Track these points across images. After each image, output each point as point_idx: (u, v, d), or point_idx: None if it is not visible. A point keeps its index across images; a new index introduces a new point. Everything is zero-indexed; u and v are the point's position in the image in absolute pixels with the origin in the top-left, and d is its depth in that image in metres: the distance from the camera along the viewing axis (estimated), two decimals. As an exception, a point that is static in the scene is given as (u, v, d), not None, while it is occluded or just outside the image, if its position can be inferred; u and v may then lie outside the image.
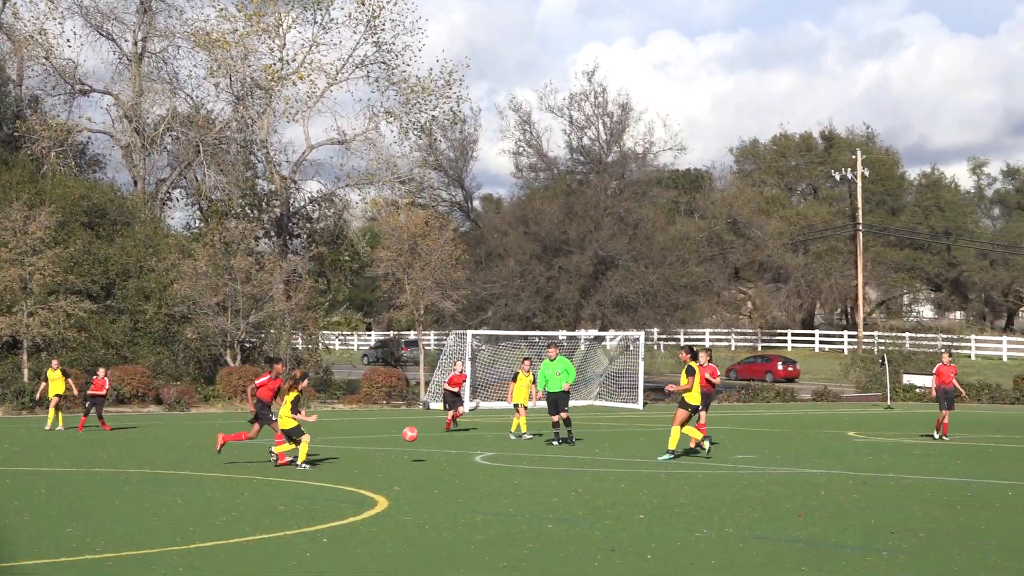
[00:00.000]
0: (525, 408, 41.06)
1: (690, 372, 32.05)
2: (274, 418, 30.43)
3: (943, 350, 41.81)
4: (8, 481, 28.06)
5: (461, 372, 40.63)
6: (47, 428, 45.72)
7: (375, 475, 28.94)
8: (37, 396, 51.42)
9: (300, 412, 29.37)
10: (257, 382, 31.46)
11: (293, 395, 29.24)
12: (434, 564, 17.04)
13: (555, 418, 37.47)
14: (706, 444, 33.07)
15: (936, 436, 40.70)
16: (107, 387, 47.83)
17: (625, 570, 16.46)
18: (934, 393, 43.33)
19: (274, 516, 21.73)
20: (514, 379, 42.89)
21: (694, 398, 32.05)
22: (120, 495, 25.62)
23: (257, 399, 31.11)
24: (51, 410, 46.56)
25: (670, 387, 35.26)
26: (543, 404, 39.33)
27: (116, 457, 34.74)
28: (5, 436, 43.12)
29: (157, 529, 20.30)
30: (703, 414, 35.18)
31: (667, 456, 32.57)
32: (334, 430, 43.79)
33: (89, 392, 47.36)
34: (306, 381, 29.76)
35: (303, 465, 29.14)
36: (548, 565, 16.78)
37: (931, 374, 68.72)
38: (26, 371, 60.96)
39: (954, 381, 41.71)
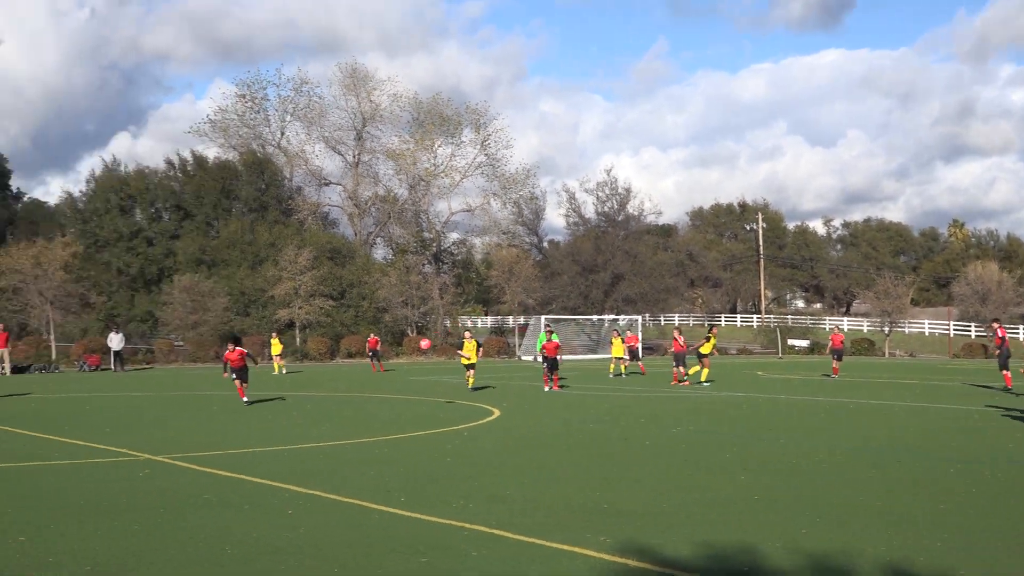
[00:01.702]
0: (619, 359, 42.41)
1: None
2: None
3: (835, 327, 42.78)
4: (309, 406, 28.85)
5: (554, 341, 34.96)
6: (274, 374, 44.95)
7: (492, 396, 29.09)
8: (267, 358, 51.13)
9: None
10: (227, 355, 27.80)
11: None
12: (527, 446, 18.13)
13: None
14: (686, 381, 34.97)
15: (832, 377, 39.46)
16: (378, 345, 50.69)
17: (630, 448, 17.56)
18: (829, 350, 42.72)
19: (436, 421, 22.64)
20: (609, 343, 45.46)
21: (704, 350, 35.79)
22: (350, 407, 26.40)
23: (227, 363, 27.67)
24: (275, 363, 46.95)
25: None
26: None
27: (358, 385, 33.84)
28: (310, 375, 42.19)
29: (375, 428, 21.53)
30: (682, 369, 35.98)
31: (706, 384, 35.02)
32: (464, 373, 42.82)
33: (368, 348, 50.28)
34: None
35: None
36: (590, 444, 18.03)
37: (805, 340, 70.91)
38: (298, 339, 64.34)
39: (842, 343, 40.99)
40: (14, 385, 38.54)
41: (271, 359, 48.60)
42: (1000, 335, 33.31)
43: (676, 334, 38.35)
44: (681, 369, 36.75)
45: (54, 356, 56.67)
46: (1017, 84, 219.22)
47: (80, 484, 13.81)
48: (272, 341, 48.61)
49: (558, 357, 35.05)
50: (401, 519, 11.18)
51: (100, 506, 12.07)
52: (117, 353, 51.71)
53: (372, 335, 53.42)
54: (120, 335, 52.94)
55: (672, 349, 38.18)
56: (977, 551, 9.60)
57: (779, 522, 10.96)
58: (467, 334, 35.37)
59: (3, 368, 47.81)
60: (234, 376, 27.47)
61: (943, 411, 24.93)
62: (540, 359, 36.64)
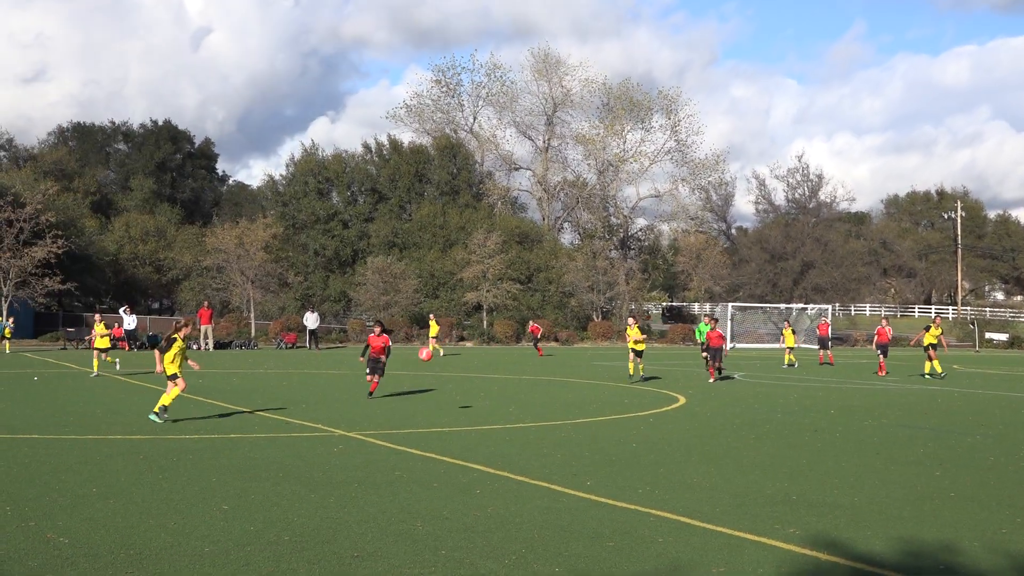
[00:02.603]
0: (791, 349, 40.64)
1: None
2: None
3: (935, 318, 37.66)
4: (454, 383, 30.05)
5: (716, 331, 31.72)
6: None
7: (678, 383, 28.84)
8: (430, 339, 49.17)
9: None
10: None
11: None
12: (713, 434, 18.01)
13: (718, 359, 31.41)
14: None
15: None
16: (539, 332, 51.05)
17: (820, 440, 17.17)
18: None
19: (621, 406, 22.68)
20: (780, 332, 45.01)
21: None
22: (535, 390, 26.44)
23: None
24: (431, 344, 44.25)
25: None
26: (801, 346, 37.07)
27: (544, 370, 34.07)
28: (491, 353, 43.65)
29: (561, 411, 21.57)
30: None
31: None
32: (653, 359, 39.52)
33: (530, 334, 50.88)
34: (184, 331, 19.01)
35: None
36: (778, 434, 17.77)
37: (1004, 333, 67.92)
38: (484, 322, 65.22)
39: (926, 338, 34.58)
40: (218, 361, 40.08)
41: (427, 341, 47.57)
42: None
43: (884, 323, 37.88)
44: (882, 359, 36.69)
45: (253, 333, 58.83)
46: None
47: (279, 457, 14.30)
48: (430, 322, 47.94)
49: (723, 347, 31.93)
50: (587, 503, 11.20)
51: (298, 478, 12.48)
52: (312, 332, 53.38)
53: (532, 323, 53.58)
54: (315, 314, 54.62)
55: (877, 339, 37.31)
56: None
57: (978, 520, 10.56)
58: (631, 319, 31.70)
59: (207, 344, 49.91)
60: (367, 370, 23.79)
61: None
62: (703, 349, 34.35)
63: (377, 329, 24.01)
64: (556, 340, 62.42)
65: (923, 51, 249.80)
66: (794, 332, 42.69)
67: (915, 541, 9.54)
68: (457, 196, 76.20)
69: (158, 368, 18.91)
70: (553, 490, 11.92)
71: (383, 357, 23.77)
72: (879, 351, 36.74)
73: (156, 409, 18.35)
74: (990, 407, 24.02)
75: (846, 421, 20.16)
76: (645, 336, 32.41)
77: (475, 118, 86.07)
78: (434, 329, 47.17)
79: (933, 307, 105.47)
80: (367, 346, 23.96)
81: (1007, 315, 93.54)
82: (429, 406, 21.39)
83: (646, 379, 30.96)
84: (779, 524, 10.18)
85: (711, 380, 30.68)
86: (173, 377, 18.67)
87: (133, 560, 8.42)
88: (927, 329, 34.96)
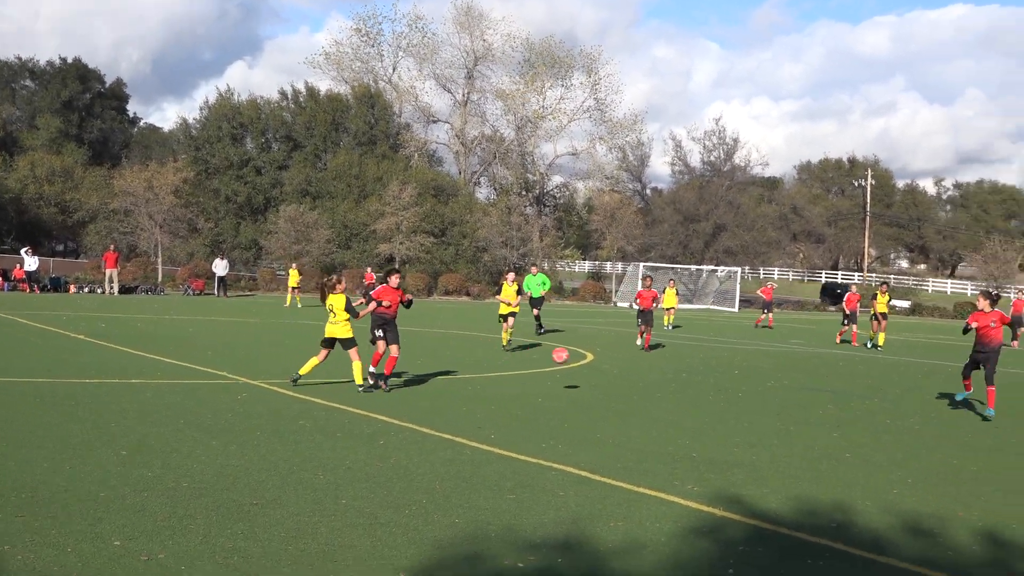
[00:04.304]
0: (670, 309, 39.13)
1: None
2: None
3: (880, 285, 35.71)
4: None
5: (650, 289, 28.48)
6: (286, 306, 43.04)
7: (586, 341, 28.94)
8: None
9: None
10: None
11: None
12: (618, 391, 18.23)
13: (535, 312, 30.57)
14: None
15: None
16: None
17: (723, 399, 17.53)
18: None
19: (529, 361, 22.81)
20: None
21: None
22: (446, 344, 26.37)
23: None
24: (290, 295, 44.36)
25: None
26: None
27: (455, 323, 34.16)
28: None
29: (470, 365, 21.53)
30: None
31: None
32: (566, 316, 42.97)
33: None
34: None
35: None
36: (683, 393, 18.00)
37: (907, 300, 69.20)
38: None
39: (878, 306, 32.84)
40: (122, 305, 39.45)
41: (288, 290, 46.10)
42: None
43: (853, 289, 35.75)
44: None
45: (160, 279, 57.83)
46: None
47: (181, 403, 14.14)
48: (291, 271, 46.26)
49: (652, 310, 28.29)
50: (491, 456, 11.26)
51: (200, 425, 12.35)
52: (221, 279, 52.70)
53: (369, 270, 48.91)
54: (225, 261, 53.88)
55: (846, 306, 34.51)
56: (1075, 523, 9.34)
57: (871, 481, 10.82)
58: (509, 276, 27.63)
59: (112, 288, 49.05)
60: (378, 334, 16.96)
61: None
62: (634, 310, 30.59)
63: (394, 279, 17.35)
64: (468, 294, 62.28)
65: (844, 19, 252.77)
66: (677, 293, 41.79)
67: (810, 500, 9.73)
68: (374, 147, 75.57)
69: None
70: (457, 442, 11.95)
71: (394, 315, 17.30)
72: (846, 319, 34.16)
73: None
74: (890, 372, 24.55)
75: (750, 382, 20.47)
76: (523, 296, 28.18)
77: (395, 69, 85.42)
78: (294, 278, 45.23)
79: (840, 273, 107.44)
80: (371, 299, 17.10)
81: (910, 283, 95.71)
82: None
83: (543, 332, 30.70)
84: (679, 481, 10.31)
85: (644, 348, 27.59)
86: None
87: (25, 503, 8.29)
88: (874, 297, 33.09)
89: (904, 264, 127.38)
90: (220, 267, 52.91)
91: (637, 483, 10.08)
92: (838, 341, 34.58)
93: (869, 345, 32.63)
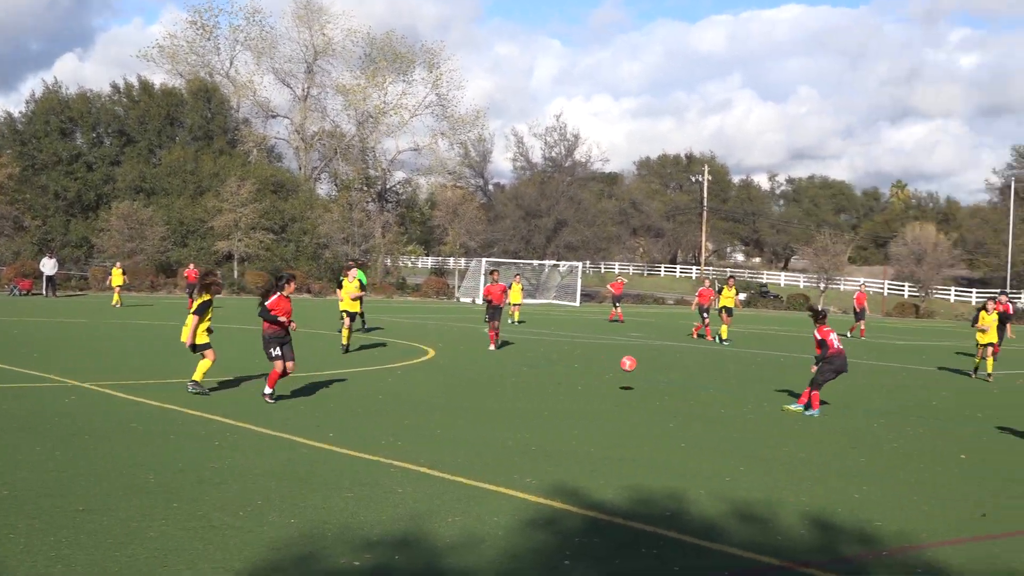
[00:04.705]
0: (517, 305, 39.41)
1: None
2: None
3: (728, 279, 35.63)
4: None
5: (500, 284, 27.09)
6: (113, 304, 41.58)
7: (428, 336, 28.79)
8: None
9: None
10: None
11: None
12: (459, 387, 18.31)
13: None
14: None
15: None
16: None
17: (562, 393, 17.72)
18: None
19: (370, 359, 22.60)
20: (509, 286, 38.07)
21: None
22: None
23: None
24: (115, 294, 42.73)
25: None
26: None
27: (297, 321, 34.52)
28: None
29: (309, 363, 20.69)
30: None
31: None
32: (409, 312, 43.49)
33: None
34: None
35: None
36: (523, 387, 18.21)
37: (743, 293, 70.97)
38: (235, 272, 63.26)
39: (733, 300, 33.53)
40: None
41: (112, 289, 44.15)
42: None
43: (706, 284, 36.13)
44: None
45: (-15, 279, 55.54)
46: (966, 48, 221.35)
47: (5, 408, 13.61)
48: (114, 271, 44.44)
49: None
50: (329, 454, 11.14)
51: (24, 430, 11.91)
52: (50, 278, 50.92)
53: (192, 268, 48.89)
54: (54, 260, 52.09)
55: (698, 301, 34.65)
56: (894, 502, 9.76)
57: (705, 469, 11.06)
58: (352, 270, 26.19)
59: (-67, 289, 46.90)
60: (275, 352, 15.26)
61: (872, 367, 25.30)
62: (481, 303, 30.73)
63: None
64: (309, 292, 61.46)
65: (682, 18, 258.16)
66: (522, 288, 42.28)
67: (645, 489, 9.89)
68: (211, 142, 73.94)
69: (188, 339, 15.54)
70: (295, 441, 11.80)
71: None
72: (704, 314, 33.97)
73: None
74: (726, 362, 25.21)
75: (589, 375, 20.74)
76: (365, 293, 27.34)
77: (232, 63, 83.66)
78: (117, 278, 43.49)
79: (678, 266, 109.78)
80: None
81: (746, 275, 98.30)
82: (172, 357, 20.70)
83: (368, 329, 30.51)
84: (517, 474, 10.37)
85: (491, 347, 26.31)
86: (205, 347, 15.59)
87: None
88: (720, 291, 33.45)
89: (740, 257, 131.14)
90: (48, 266, 51.11)
91: (475, 478, 10.10)
92: (695, 336, 34.59)
93: (719, 340, 32.40)
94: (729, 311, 32.74)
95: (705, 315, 34.00)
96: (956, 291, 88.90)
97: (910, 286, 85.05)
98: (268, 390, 15.01)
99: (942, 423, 15.47)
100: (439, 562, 7.34)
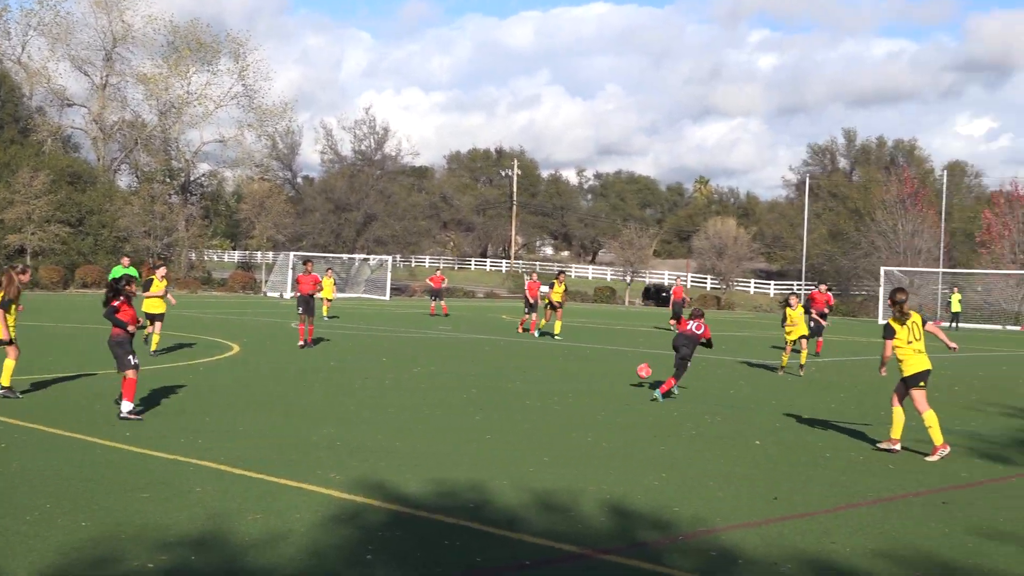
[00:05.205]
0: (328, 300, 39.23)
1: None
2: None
3: (558, 275, 35.76)
4: None
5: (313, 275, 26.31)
6: None
7: (233, 332, 28.43)
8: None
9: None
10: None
11: None
12: (264, 383, 18.00)
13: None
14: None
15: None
16: None
17: (369, 387, 17.58)
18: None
19: (172, 355, 21.86)
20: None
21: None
22: (81, 339, 24.98)
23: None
24: None
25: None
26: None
27: (91, 317, 33.30)
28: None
29: (106, 360, 21.90)
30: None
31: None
32: (213, 307, 42.89)
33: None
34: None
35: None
36: (330, 382, 17.98)
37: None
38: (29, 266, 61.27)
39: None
40: None
41: None
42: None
43: (534, 277, 35.06)
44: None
45: None
46: (764, 49, 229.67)
47: None
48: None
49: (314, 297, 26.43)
50: (124, 454, 10.83)
51: None
52: None
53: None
54: None
55: (528, 293, 34.00)
56: (691, 488, 10.06)
57: (509, 460, 11.18)
58: (159, 271, 22.73)
59: None
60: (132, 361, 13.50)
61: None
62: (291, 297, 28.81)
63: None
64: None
65: (492, 13, 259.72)
66: (335, 283, 42.16)
67: (449, 482, 9.94)
68: (1, 131, 70.84)
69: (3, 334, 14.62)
70: (88, 442, 11.43)
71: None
72: (528, 308, 33.51)
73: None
74: (538, 354, 25.50)
75: (397, 369, 20.69)
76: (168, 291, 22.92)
77: (24, 48, 79.86)
78: None
79: (488, 260, 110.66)
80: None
81: (555, 268, 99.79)
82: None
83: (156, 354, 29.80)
84: (321, 470, 10.28)
85: (306, 342, 25.40)
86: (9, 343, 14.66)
87: None
88: (551, 286, 32.93)
89: (549, 251, 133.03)
90: None
91: (278, 474, 9.97)
92: (520, 331, 33.85)
93: (547, 335, 32.14)
94: (556, 306, 32.32)
95: (529, 309, 33.53)
96: (756, 283, 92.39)
97: (712, 278, 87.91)
98: (129, 405, 13.05)
99: (739, 411, 16.02)
100: (238, 561, 7.21)
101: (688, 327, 17.64)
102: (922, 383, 12.34)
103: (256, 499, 9.00)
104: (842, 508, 9.49)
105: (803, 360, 23.05)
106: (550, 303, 32.51)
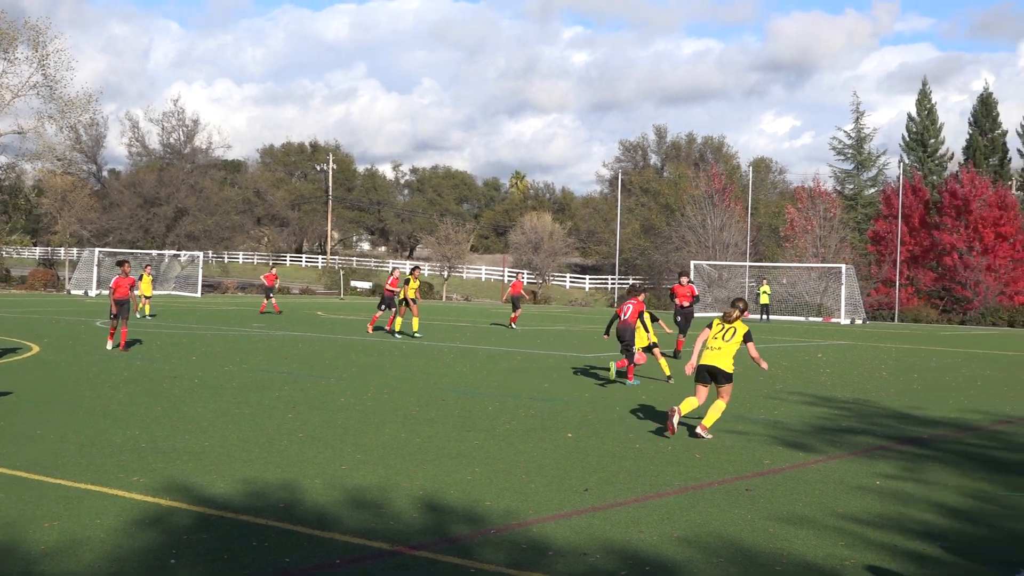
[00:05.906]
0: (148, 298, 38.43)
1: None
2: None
3: (413, 270, 35.05)
4: None
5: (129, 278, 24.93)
6: None
7: (33, 331, 27.54)
8: None
9: None
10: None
11: None
12: (66, 383, 17.50)
13: None
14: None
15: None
16: None
17: (178, 386, 17.26)
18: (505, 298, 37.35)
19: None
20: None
21: None
22: None
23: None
24: None
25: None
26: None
27: None
28: None
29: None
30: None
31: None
32: (11, 305, 41.75)
33: None
34: None
35: None
36: (136, 382, 17.49)
37: (368, 281, 71.55)
38: None
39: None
40: None
41: None
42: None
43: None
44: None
45: None
46: (577, 46, 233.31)
47: None
48: None
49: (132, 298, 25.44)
50: (-90, 461, 10.27)
51: None
52: None
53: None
54: None
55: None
56: (503, 482, 10.13)
57: (322, 459, 11.07)
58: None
59: None
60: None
61: (490, 352, 26.19)
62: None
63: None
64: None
65: (306, 5, 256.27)
66: (153, 279, 41.41)
67: (259, 481, 9.78)
68: None
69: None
70: None
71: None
72: (382, 305, 32.52)
73: None
74: (348, 351, 25.35)
75: (207, 367, 20.29)
76: None
77: None
78: None
79: (304, 256, 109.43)
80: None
81: (371, 264, 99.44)
82: None
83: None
84: (124, 473, 10.00)
85: (119, 345, 24.17)
86: None
87: None
88: (407, 282, 31.93)
89: (366, 246, 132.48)
90: None
91: (78, 479, 9.65)
92: (370, 331, 32.73)
93: (407, 334, 31.49)
94: (411, 302, 31.55)
95: (383, 306, 32.61)
96: (571, 277, 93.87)
97: (528, 273, 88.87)
98: None
99: (552, 404, 16.22)
100: (33, 570, 6.93)
101: (622, 315, 19.03)
102: (716, 378, 13.28)
103: (53, 505, 8.67)
104: (650, 497, 9.71)
105: (666, 371, 20.10)
106: (405, 299, 31.69)
